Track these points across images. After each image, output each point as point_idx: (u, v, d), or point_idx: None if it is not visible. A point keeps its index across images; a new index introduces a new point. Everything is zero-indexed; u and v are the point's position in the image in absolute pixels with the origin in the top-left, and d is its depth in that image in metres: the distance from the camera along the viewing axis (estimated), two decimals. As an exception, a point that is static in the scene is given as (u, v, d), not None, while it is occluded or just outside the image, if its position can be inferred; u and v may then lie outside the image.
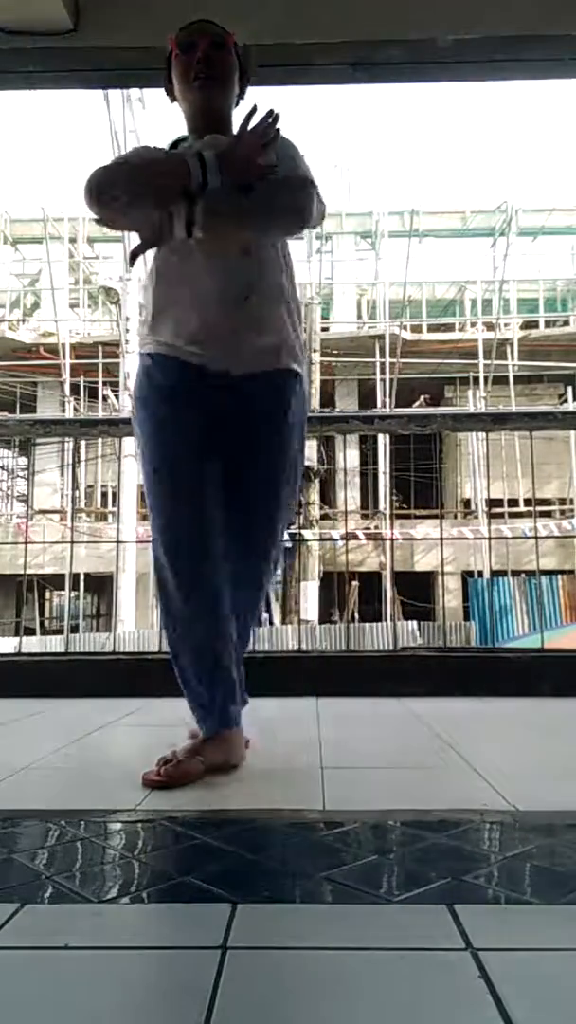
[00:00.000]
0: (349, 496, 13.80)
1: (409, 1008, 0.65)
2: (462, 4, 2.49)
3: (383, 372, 13.91)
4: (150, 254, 1.55)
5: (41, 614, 15.50)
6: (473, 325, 14.99)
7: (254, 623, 1.76)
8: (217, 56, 1.57)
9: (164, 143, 1.66)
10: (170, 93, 1.65)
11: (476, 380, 14.07)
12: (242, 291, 1.51)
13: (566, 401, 14.61)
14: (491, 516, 11.17)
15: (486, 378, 14.01)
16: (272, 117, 1.42)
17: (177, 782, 1.38)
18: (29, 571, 12.06)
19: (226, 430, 1.56)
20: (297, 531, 11.76)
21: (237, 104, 1.65)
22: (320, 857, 1.01)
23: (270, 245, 1.57)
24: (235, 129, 1.49)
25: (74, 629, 11.50)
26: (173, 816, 1.19)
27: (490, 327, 14.33)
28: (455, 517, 14.42)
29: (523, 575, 12.01)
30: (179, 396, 1.55)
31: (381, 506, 14.13)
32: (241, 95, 1.65)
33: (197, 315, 1.51)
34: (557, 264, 20.07)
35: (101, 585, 14.28)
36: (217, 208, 1.40)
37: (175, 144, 1.65)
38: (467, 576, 13.24)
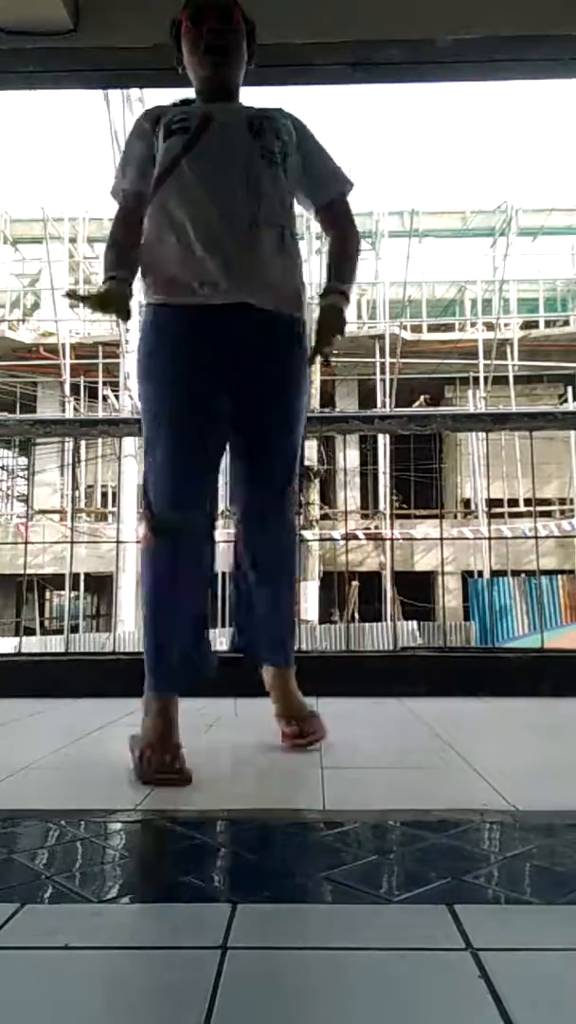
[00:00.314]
0: (349, 496, 13.80)
1: (409, 1008, 0.65)
2: (462, 4, 2.49)
3: (383, 372, 13.91)
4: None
5: (41, 614, 15.50)
6: (473, 325, 14.98)
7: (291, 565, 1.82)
8: (226, 28, 1.61)
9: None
10: (179, 63, 1.69)
11: (476, 380, 14.07)
12: (247, 220, 1.53)
13: (566, 401, 14.60)
14: (491, 516, 11.17)
15: (486, 378, 14.01)
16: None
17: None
18: (29, 571, 12.05)
19: (242, 369, 1.58)
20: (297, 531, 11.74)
21: (250, 63, 1.71)
22: (320, 857, 1.01)
23: (268, 180, 1.58)
24: (242, 98, 1.67)
25: (74, 629, 11.50)
26: (173, 816, 1.19)
27: (490, 327, 14.33)
28: (455, 517, 14.41)
29: (523, 575, 12.01)
30: (194, 341, 1.55)
31: (381, 506, 14.13)
32: (249, 63, 1.70)
33: (208, 252, 1.52)
34: (557, 264, 20.05)
35: (101, 585, 14.28)
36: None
37: (183, 104, 1.70)
38: (467, 576, 13.24)
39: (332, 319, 1.65)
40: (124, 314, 1.56)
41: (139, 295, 1.64)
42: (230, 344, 1.55)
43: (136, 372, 1.62)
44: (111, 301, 1.55)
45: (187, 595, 1.60)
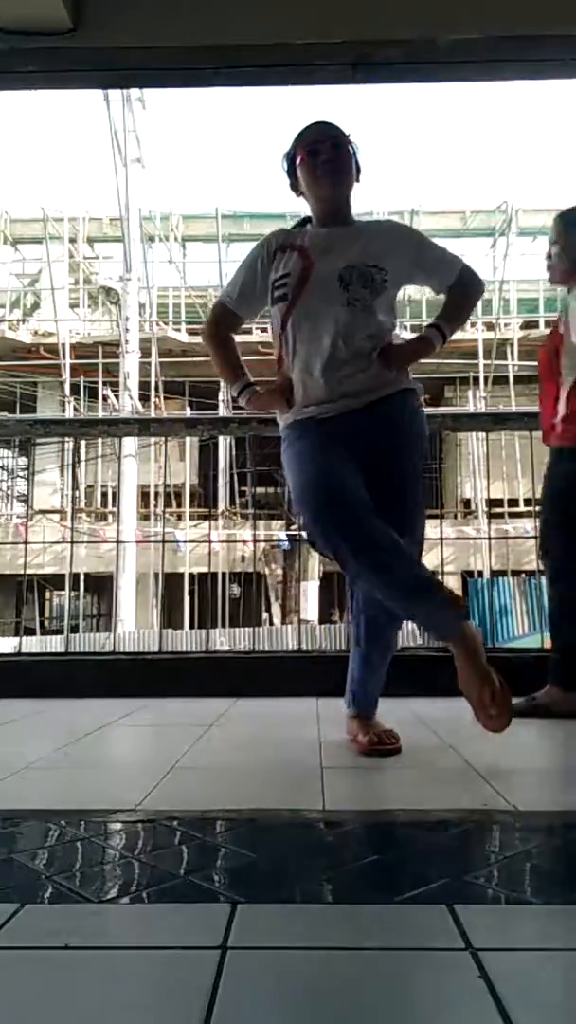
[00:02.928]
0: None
1: (409, 1008, 0.65)
2: (462, 4, 2.49)
3: (383, 372, 13.88)
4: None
5: (41, 614, 15.50)
6: (473, 325, 14.97)
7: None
8: (338, 155, 1.89)
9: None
10: (295, 189, 1.97)
11: (476, 380, 14.07)
12: (337, 358, 1.84)
13: (566, 401, 14.58)
14: (491, 516, 11.17)
15: (486, 378, 14.01)
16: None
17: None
18: (29, 571, 12.06)
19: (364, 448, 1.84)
20: (297, 531, 11.76)
21: (357, 179, 1.96)
22: (320, 857, 1.01)
23: (353, 321, 1.85)
24: (354, 212, 1.96)
25: (74, 629, 11.50)
26: (173, 816, 1.19)
27: (490, 327, 14.33)
28: (455, 517, 14.41)
29: (523, 575, 12.01)
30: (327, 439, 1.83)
31: (381, 506, 14.09)
32: (357, 179, 1.96)
33: (312, 381, 1.85)
34: (557, 264, 19.96)
35: (101, 585, 14.29)
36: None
37: (302, 223, 2.00)
38: (467, 576, 13.24)
39: (414, 344, 1.94)
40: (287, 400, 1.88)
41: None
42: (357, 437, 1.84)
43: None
44: (280, 392, 1.89)
45: None
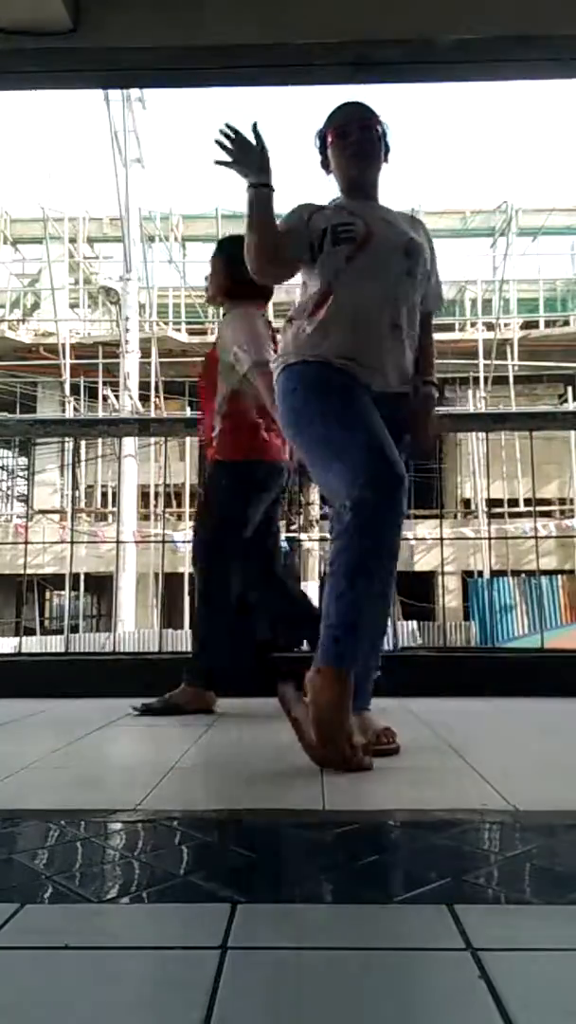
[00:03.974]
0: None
1: (409, 1008, 0.65)
2: (462, 4, 2.49)
3: (383, 372, 13.88)
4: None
5: (41, 614, 15.50)
6: (473, 325, 14.98)
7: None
8: (366, 137, 1.93)
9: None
10: (325, 167, 2.00)
11: (476, 380, 14.07)
12: (388, 322, 1.85)
13: (566, 401, 14.61)
14: (491, 516, 11.17)
15: (486, 378, 14.01)
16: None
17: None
18: (29, 571, 12.06)
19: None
20: (296, 532, 11.76)
21: (385, 159, 2.00)
22: (320, 857, 1.01)
23: (410, 292, 1.90)
24: (380, 194, 1.98)
25: (74, 629, 11.50)
26: (173, 816, 1.19)
27: (490, 327, 14.33)
28: (455, 517, 14.41)
29: (523, 575, 12.01)
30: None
31: (381, 506, 14.09)
32: (385, 160, 2.00)
33: (361, 341, 1.84)
34: (557, 264, 20.07)
35: (101, 585, 14.28)
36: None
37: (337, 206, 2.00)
38: (467, 576, 13.24)
39: (427, 414, 1.96)
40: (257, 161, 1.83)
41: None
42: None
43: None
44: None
45: None
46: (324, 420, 1.78)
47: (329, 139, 1.96)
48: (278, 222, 1.89)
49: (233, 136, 1.82)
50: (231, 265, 2.40)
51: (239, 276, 2.34)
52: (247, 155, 1.82)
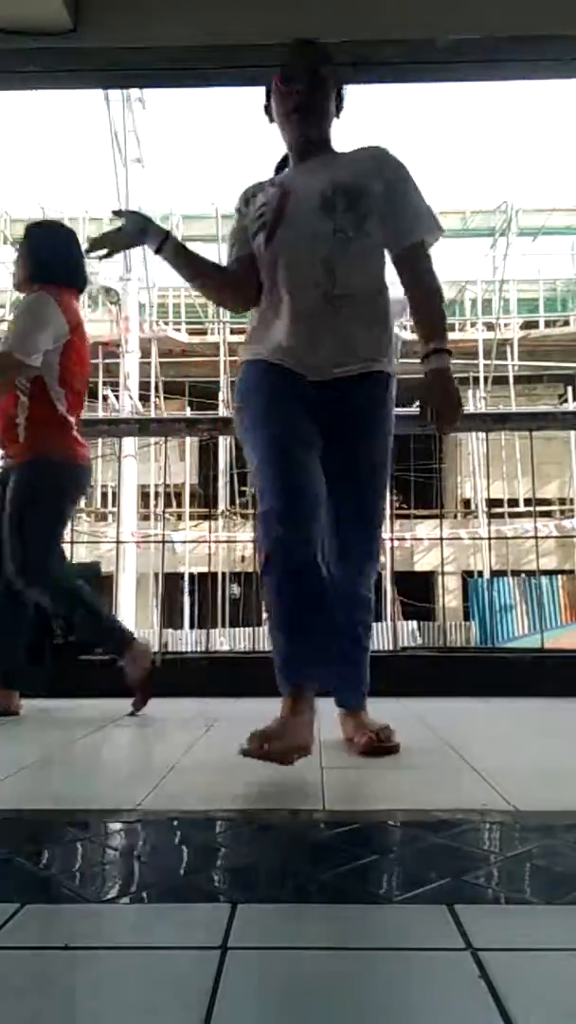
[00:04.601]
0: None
1: (409, 1008, 0.65)
2: (462, 4, 2.49)
3: (383, 372, 13.89)
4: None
5: (41, 614, 15.48)
6: (473, 325, 14.98)
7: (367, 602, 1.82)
8: (313, 89, 1.70)
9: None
10: (268, 114, 1.79)
11: (476, 380, 14.07)
12: (322, 297, 1.64)
13: (566, 401, 14.60)
14: (491, 516, 11.18)
15: (486, 378, 14.01)
16: None
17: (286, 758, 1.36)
18: (29, 571, 12.03)
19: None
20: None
21: (337, 115, 1.79)
22: (320, 857, 1.00)
23: (342, 255, 1.65)
24: (334, 145, 1.75)
25: (74, 629, 11.47)
26: (173, 816, 1.19)
27: (490, 327, 14.33)
28: (455, 517, 14.41)
29: (523, 575, 12.01)
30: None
31: (381, 506, 14.11)
32: (337, 115, 1.78)
33: (295, 328, 1.66)
34: (557, 264, 20.05)
35: (101, 585, 14.29)
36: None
37: (280, 165, 1.84)
38: (467, 576, 13.24)
39: (443, 387, 1.67)
40: (124, 240, 1.71)
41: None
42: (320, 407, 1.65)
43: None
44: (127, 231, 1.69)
45: None
46: (249, 430, 1.65)
47: (274, 85, 1.74)
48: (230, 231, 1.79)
49: (105, 238, 1.73)
50: (33, 252, 2.40)
51: (41, 262, 2.37)
52: (129, 236, 1.70)
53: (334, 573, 1.66)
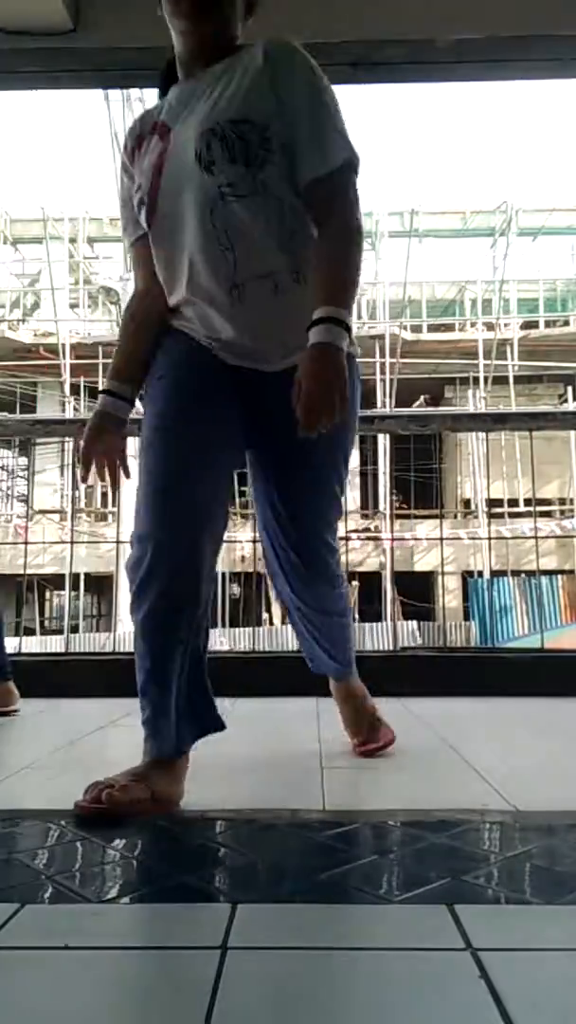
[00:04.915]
0: (349, 496, 13.77)
1: (409, 1008, 0.65)
2: (462, 4, 2.49)
3: (383, 372, 13.91)
4: None
5: (41, 614, 15.50)
6: (473, 325, 14.98)
7: (342, 619, 1.68)
8: None
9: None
10: (158, 2, 1.35)
11: (476, 380, 14.07)
12: (226, 282, 1.29)
13: (566, 401, 14.61)
14: (491, 516, 11.18)
15: (486, 378, 14.01)
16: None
17: (122, 810, 1.17)
18: (29, 571, 12.06)
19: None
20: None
21: (247, 15, 1.40)
22: (320, 857, 1.01)
23: (238, 222, 1.27)
24: (240, 49, 1.32)
25: (74, 629, 11.49)
26: (173, 816, 1.19)
27: (490, 327, 14.33)
28: (455, 517, 14.41)
29: (523, 575, 12.01)
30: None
31: (381, 506, 14.13)
32: (248, 15, 1.40)
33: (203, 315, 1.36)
34: (557, 264, 20.07)
35: (101, 585, 14.29)
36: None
37: (166, 74, 1.42)
38: (467, 576, 13.24)
39: (318, 372, 1.17)
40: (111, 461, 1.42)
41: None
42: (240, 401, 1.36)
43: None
44: (95, 437, 1.39)
45: None
46: (145, 422, 1.36)
47: None
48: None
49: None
50: None
51: None
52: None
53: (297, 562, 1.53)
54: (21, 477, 16.50)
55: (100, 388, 1.42)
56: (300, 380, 1.18)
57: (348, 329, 1.21)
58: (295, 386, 1.18)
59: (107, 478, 1.45)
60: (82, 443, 1.40)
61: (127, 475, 1.45)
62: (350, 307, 1.23)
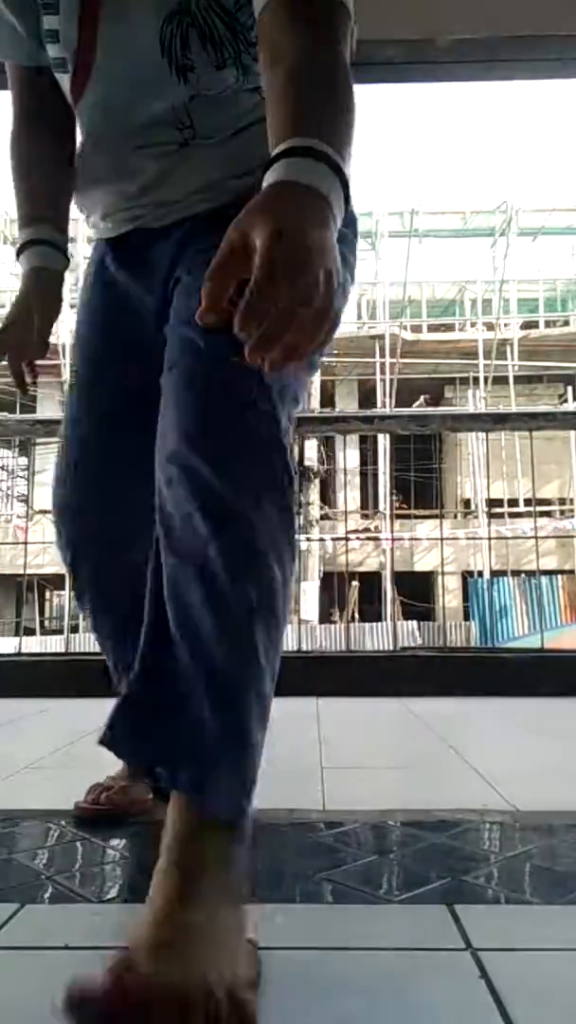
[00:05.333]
0: (349, 496, 13.81)
1: (409, 1008, 0.65)
2: (462, 4, 2.49)
3: (383, 372, 13.92)
4: None
5: (41, 614, 15.50)
6: (473, 325, 15.00)
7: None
8: None
9: None
10: None
11: (476, 380, 14.09)
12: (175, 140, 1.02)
13: (566, 401, 14.62)
14: (491, 516, 11.18)
15: (486, 378, 14.02)
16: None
17: (122, 810, 1.16)
18: (29, 571, 12.06)
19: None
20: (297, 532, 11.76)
21: None
22: (320, 857, 1.01)
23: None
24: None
25: (74, 629, 11.48)
26: (173, 816, 1.19)
27: (490, 327, 14.34)
28: (455, 517, 14.42)
29: (523, 575, 12.02)
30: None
31: (381, 506, 14.14)
32: None
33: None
34: (557, 264, 20.08)
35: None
36: None
37: None
38: (467, 576, 13.25)
39: (264, 208, 0.62)
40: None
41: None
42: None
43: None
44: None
45: None
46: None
47: None
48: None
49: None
50: None
51: None
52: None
53: None
54: (21, 477, 16.50)
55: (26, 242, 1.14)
56: (249, 221, 0.60)
57: (338, 171, 0.69)
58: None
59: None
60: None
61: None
62: (339, 144, 0.71)
